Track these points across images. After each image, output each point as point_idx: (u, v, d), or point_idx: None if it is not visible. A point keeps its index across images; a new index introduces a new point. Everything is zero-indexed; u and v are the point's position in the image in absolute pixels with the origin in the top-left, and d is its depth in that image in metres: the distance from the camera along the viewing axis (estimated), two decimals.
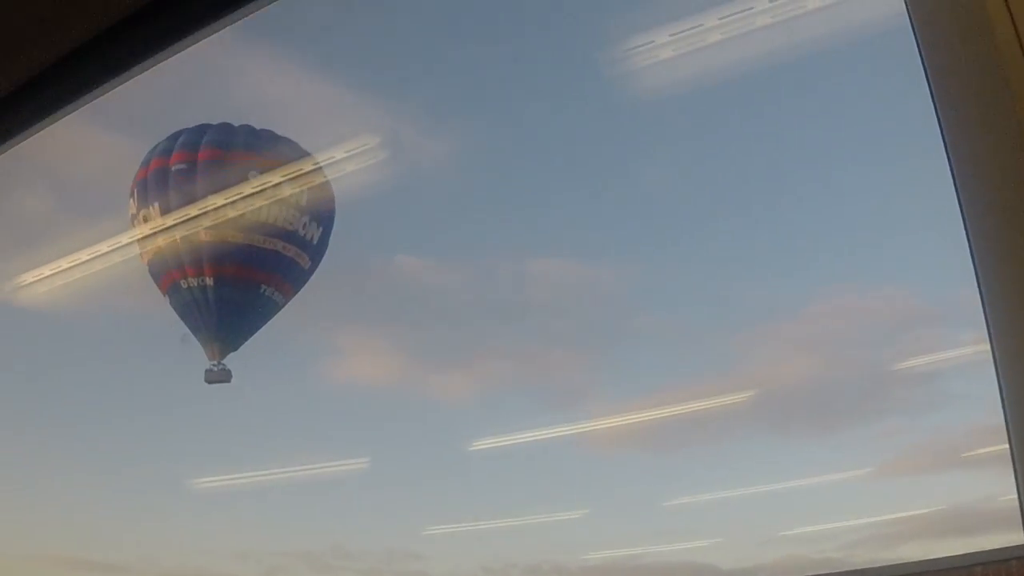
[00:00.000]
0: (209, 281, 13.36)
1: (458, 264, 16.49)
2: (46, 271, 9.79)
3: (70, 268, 10.00)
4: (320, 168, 12.55)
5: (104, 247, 10.96)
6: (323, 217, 13.18)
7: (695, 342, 15.82)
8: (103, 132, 13.94)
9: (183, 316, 13.42)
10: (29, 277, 10.17)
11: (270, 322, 13.72)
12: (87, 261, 10.31)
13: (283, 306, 13.49)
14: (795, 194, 15.68)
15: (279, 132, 13.05)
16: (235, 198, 12.57)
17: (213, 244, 13.16)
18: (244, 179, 12.61)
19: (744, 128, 15.38)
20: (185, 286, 13.38)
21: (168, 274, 13.23)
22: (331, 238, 13.45)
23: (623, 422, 12.97)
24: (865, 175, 14.20)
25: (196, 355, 13.78)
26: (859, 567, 11.15)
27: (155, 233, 12.77)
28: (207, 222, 12.85)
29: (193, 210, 12.58)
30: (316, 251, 13.41)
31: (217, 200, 12.63)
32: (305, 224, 12.98)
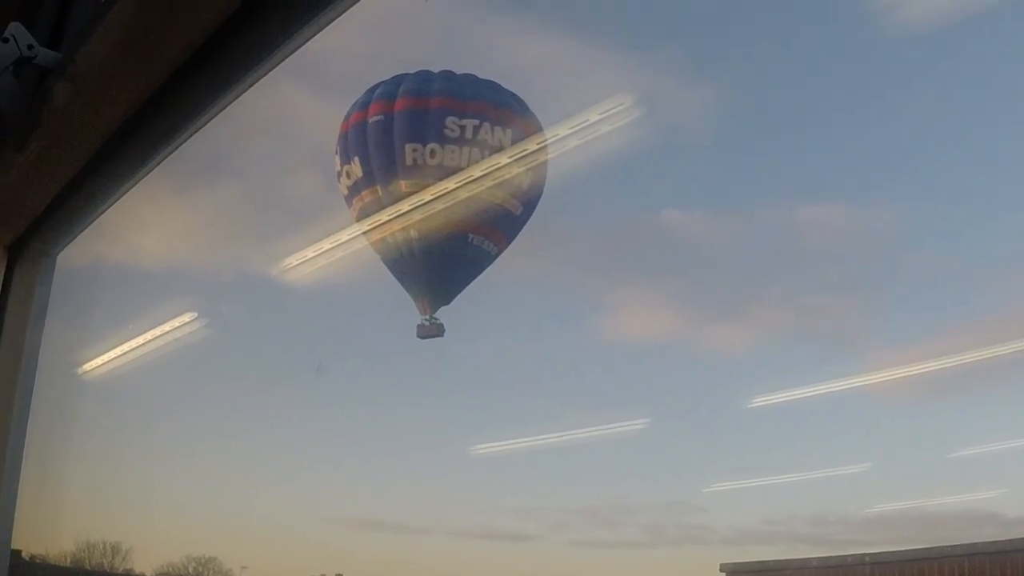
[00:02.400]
0: (413, 233, 13.02)
1: (725, 215, 16.09)
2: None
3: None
4: (526, 108, 11.70)
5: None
6: (534, 162, 12.27)
7: (973, 279, 14.26)
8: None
9: (393, 271, 13.19)
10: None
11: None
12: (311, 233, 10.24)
13: (496, 256, 12.87)
14: None
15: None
16: (434, 148, 12.08)
17: (414, 195, 12.75)
18: (442, 126, 12.04)
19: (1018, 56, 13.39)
20: (392, 241, 13.13)
21: (376, 229, 13.00)
22: (546, 184, 12.58)
23: (904, 372, 11.71)
24: None
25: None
26: None
27: (358, 190, 12.50)
28: (407, 175, 12.45)
29: (396, 163, 12.18)
30: (528, 197, 12.61)
31: (417, 150, 12.19)
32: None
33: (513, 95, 12.41)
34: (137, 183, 1.65)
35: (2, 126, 1.71)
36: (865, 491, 14.38)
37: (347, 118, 12.62)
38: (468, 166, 12.27)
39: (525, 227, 12.85)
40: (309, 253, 10.36)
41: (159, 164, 1.62)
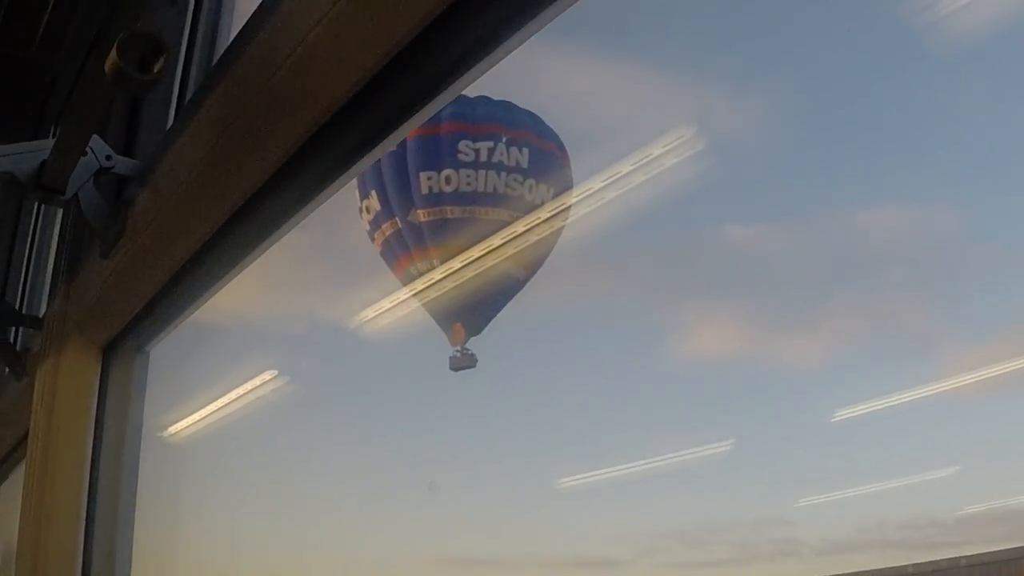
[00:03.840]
0: (436, 262, 13.06)
1: (788, 226, 16.10)
2: None
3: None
4: (542, 123, 11.70)
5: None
6: (554, 176, 12.26)
7: None
8: None
9: (423, 302, 13.23)
10: None
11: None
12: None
13: (525, 281, 12.85)
14: None
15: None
16: (447, 173, 12.11)
17: (433, 221, 12.78)
18: (455, 151, 12.07)
19: None
20: (415, 273, 13.18)
21: (398, 260, 13.05)
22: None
23: (984, 372, 11.63)
24: None
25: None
26: None
27: (378, 223, 12.57)
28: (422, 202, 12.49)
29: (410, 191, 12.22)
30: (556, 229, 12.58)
31: (432, 178, 12.22)
32: (532, 187, 12.13)
33: (528, 112, 12.42)
34: (228, 282, 1.67)
35: (90, 236, 1.74)
36: (955, 493, 14.27)
37: None
38: (486, 189, 12.30)
39: (555, 251, 12.82)
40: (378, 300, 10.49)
41: (248, 266, 1.64)
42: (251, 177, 1.46)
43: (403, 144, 12.06)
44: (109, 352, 1.82)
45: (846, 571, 12.60)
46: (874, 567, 12.37)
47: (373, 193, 12.39)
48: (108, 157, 1.64)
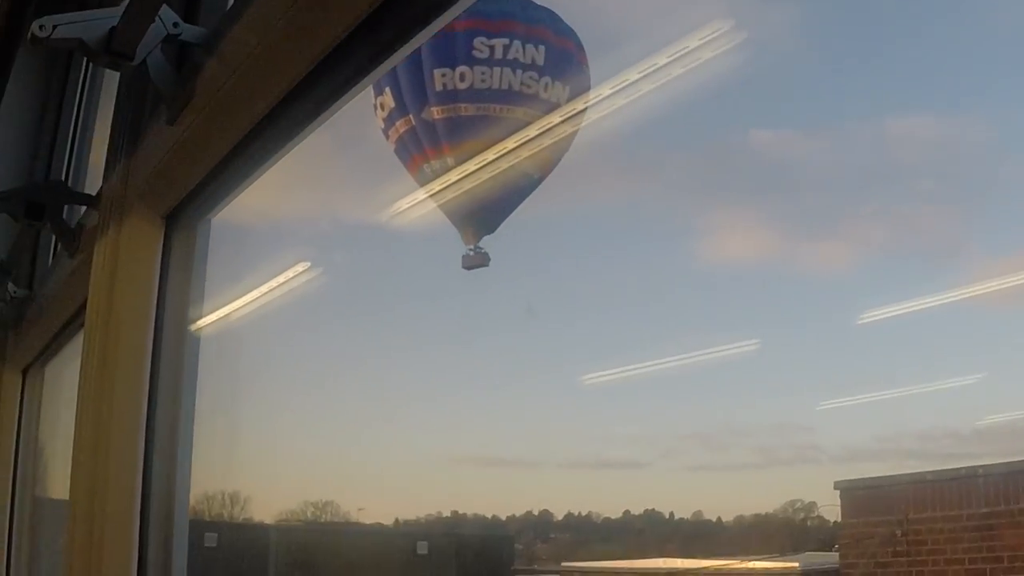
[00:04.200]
0: (450, 161, 13.00)
1: (815, 133, 15.91)
2: None
3: None
4: (559, 20, 11.45)
5: None
6: (571, 74, 12.05)
7: None
8: None
9: (436, 200, 13.23)
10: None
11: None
12: None
13: (540, 181, 12.81)
14: None
15: None
16: (462, 70, 11.92)
17: (447, 119, 12.66)
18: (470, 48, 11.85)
19: None
20: (428, 171, 13.13)
21: (412, 158, 13.00)
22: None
23: (1010, 281, 11.61)
24: None
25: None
26: None
27: (391, 120, 12.48)
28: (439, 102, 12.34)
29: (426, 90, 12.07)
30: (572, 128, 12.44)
31: (443, 73, 12.03)
32: (548, 85, 11.97)
33: (545, 9, 12.15)
34: (285, 155, 1.76)
35: (156, 102, 1.82)
36: (975, 404, 14.45)
37: None
38: (501, 87, 12.15)
39: (572, 148, 12.68)
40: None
41: (305, 138, 1.72)
42: (317, 47, 1.52)
43: None
44: (172, 221, 1.91)
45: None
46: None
47: (387, 90, 12.27)
48: (175, 24, 1.70)
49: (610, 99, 11.59)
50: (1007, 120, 15.36)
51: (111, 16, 1.65)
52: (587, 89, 11.84)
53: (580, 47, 12.16)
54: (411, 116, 12.60)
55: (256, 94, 1.63)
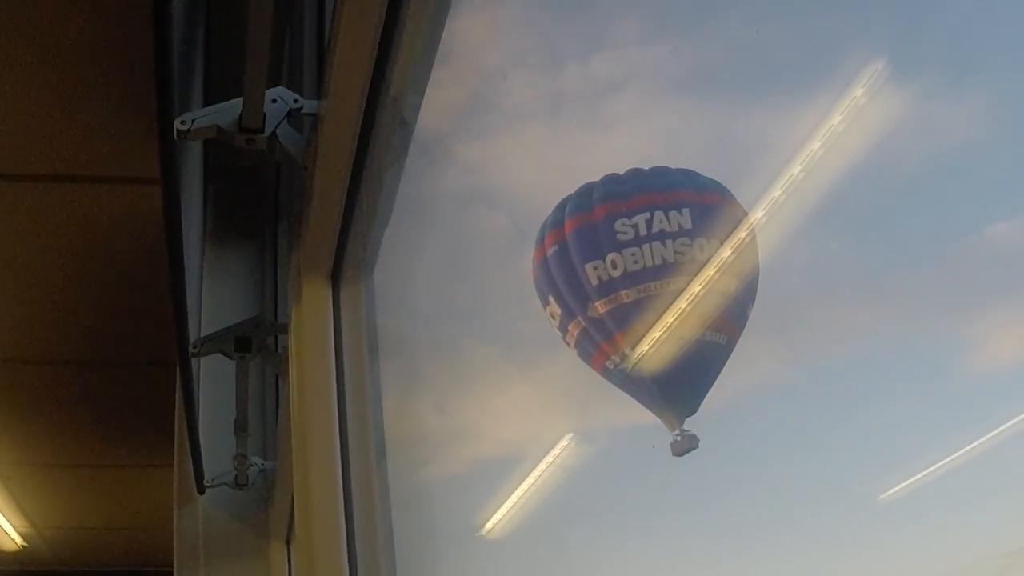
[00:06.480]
0: (627, 351, 12.95)
1: None
2: None
3: None
4: (701, 180, 11.68)
5: None
6: (723, 225, 12.01)
7: None
8: None
9: (629, 393, 13.08)
10: None
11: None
12: None
13: (731, 348, 12.39)
14: None
15: None
16: (612, 258, 12.15)
17: (612, 310, 12.67)
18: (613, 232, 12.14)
19: None
20: (612, 367, 13.09)
21: (594, 358, 12.99)
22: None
23: None
24: None
25: None
26: None
27: (564, 326, 12.73)
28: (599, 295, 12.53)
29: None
30: (746, 273, 12.22)
31: (595, 266, 12.28)
32: (702, 246, 12.01)
33: (681, 171, 12.37)
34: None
35: (291, 170, 1.99)
36: None
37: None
38: (655, 262, 12.26)
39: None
40: None
41: None
42: None
43: (563, 241, 12.35)
44: (335, 279, 2.02)
45: None
46: None
47: (550, 298, 12.63)
48: (295, 100, 1.91)
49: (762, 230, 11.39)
50: None
51: (236, 106, 1.88)
52: (742, 220, 11.67)
53: (725, 196, 12.19)
54: (579, 318, 12.80)
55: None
